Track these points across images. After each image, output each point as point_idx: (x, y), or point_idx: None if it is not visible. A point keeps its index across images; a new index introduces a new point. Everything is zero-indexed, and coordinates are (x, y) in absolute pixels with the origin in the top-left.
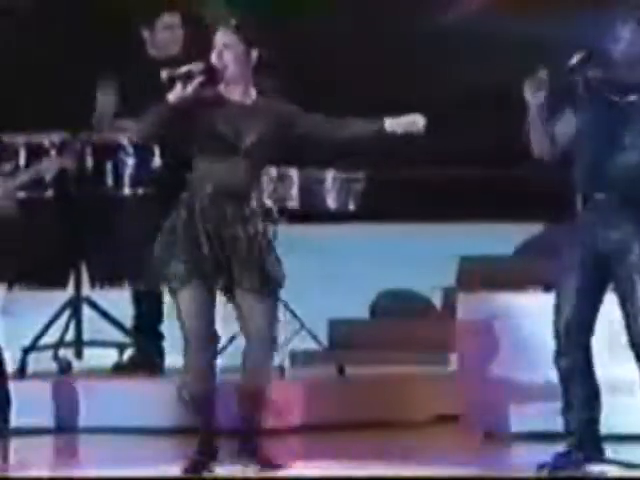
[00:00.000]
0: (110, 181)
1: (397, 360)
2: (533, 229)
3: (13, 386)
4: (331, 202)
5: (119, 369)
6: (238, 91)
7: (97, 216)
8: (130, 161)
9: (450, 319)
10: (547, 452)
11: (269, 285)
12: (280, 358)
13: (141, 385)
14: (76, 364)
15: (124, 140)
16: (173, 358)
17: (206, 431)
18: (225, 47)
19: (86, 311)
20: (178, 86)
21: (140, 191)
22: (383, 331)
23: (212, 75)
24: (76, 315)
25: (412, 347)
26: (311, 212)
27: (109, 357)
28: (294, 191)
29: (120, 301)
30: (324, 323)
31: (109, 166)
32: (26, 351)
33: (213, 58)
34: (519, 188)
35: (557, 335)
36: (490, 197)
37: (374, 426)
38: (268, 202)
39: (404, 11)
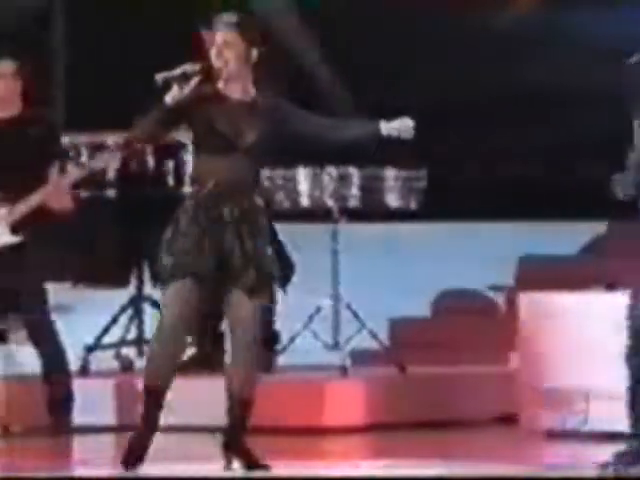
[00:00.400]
0: (171, 180)
1: (458, 359)
2: (597, 228)
3: (76, 384)
4: (392, 201)
5: (180, 368)
6: (237, 89)
7: (158, 215)
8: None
9: (512, 318)
10: (610, 452)
11: (263, 284)
12: (341, 357)
13: (202, 383)
14: (138, 363)
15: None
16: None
17: (147, 425)
18: (226, 45)
19: (148, 310)
20: (174, 88)
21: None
22: (444, 330)
23: (208, 74)
24: (138, 314)
25: (473, 346)
26: (372, 211)
27: None
28: (355, 190)
29: None
30: (385, 322)
31: (170, 165)
32: (89, 349)
33: (213, 56)
34: (583, 186)
35: (632, 335)
36: (553, 196)
37: (435, 425)
38: (329, 201)
39: (466, 11)
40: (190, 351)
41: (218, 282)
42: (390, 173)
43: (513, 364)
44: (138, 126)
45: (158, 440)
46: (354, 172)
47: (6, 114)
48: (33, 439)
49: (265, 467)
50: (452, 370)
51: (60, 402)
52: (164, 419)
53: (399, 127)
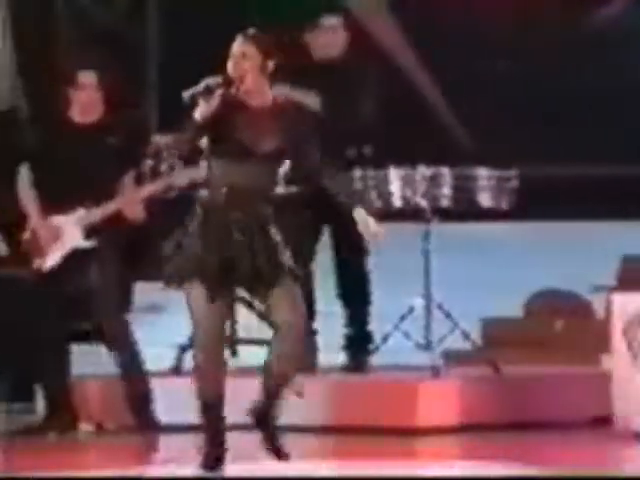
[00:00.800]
0: None
1: (550, 359)
2: None
3: (169, 383)
4: (484, 200)
5: None
6: (256, 98)
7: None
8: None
9: (607, 319)
10: None
11: (288, 277)
12: (433, 357)
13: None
14: (230, 362)
15: None
16: (327, 356)
17: (214, 431)
18: (243, 57)
19: (242, 310)
20: (201, 104)
21: (293, 190)
22: (537, 330)
23: (230, 85)
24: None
25: (566, 347)
26: (464, 211)
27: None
28: (446, 190)
29: None
30: (478, 322)
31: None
32: (183, 349)
33: (230, 67)
34: None
35: None
36: None
37: (527, 426)
38: (421, 201)
39: (558, 11)
40: None
41: (245, 285)
42: (482, 173)
43: (604, 365)
44: (173, 147)
45: (245, 439)
46: (446, 172)
47: (87, 119)
48: (126, 437)
49: (284, 457)
50: (545, 371)
51: (139, 402)
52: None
53: (366, 226)
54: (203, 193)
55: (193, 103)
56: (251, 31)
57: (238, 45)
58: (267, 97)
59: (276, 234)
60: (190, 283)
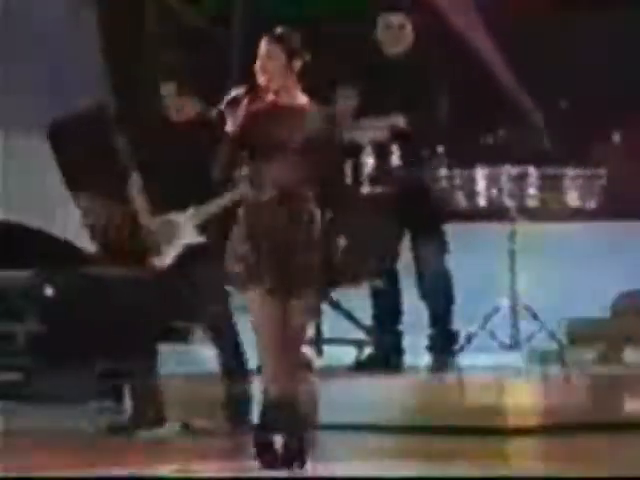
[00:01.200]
0: (349, 180)
1: (637, 360)
2: None
3: (256, 384)
4: (571, 200)
5: (359, 367)
6: (283, 96)
7: (336, 215)
8: (369, 160)
9: None
10: None
11: (315, 288)
12: (519, 357)
13: (379, 383)
14: (317, 362)
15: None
16: (412, 356)
17: (288, 433)
18: (268, 58)
19: (325, 309)
20: (231, 116)
21: (378, 190)
22: (623, 330)
23: (257, 90)
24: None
25: None
26: (550, 210)
27: (348, 355)
28: (533, 189)
29: (358, 299)
30: (563, 322)
31: (348, 165)
32: None
33: (257, 68)
34: None
35: None
36: None
37: (612, 427)
38: (507, 201)
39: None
40: (367, 351)
41: (278, 286)
42: (569, 172)
43: None
44: (219, 166)
45: (330, 438)
46: (532, 171)
47: (179, 117)
48: (212, 438)
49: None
50: (631, 371)
51: (238, 402)
52: (338, 418)
53: None
54: (249, 194)
55: (222, 118)
56: (278, 30)
57: (263, 45)
58: (295, 95)
59: (318, 233)
60: (248, 287)
